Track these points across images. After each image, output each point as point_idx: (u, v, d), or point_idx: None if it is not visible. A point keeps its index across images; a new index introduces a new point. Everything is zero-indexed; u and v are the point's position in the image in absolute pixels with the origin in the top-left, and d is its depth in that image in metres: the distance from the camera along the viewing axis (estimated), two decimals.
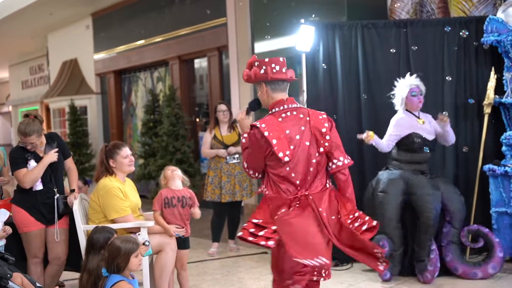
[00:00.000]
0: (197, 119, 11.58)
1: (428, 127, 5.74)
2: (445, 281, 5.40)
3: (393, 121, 5.77)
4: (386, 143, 5.72)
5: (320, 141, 3.72)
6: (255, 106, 4.02)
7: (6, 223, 4.69)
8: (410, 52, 6.35)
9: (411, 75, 5.86)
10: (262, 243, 3.62)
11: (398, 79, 5.98)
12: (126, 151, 5.01)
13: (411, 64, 6.33)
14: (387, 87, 6.31)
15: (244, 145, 3.81)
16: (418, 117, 5.75)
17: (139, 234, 4.65)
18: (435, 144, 5.79)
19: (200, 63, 11.63)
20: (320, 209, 3.62)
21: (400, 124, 5.70)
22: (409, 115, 5.77)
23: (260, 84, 3.89)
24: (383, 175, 5.70)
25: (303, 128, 3.72)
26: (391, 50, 6.30)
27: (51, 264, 4.98)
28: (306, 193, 3.65)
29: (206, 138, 7.22)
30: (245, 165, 3.84)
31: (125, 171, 5.02)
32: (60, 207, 4.92)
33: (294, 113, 3.79)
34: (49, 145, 5.00)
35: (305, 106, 6.39)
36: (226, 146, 7.04)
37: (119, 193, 4.84)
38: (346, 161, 3.82)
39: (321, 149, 3.72)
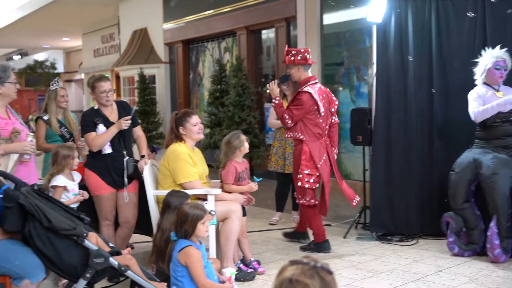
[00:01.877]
0: (263, 90, 11.58)
1: None
2: None
3: (473, 94, 5.51)
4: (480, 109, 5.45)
5: (332, 104, 5.95)
6: (285, 80, 6.33)
7: (79, 186, 4.83)
8: (487, 23, 6.08)
9: (487, 48, 5.64)
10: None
11: (473, 52, 5.79)
12: (195, 118, 5.05)
13: (487, 36, 6.06)
14: (461, 60, 6.13)
15: (294, 106, 5.71)
16: (497, 90, 5.50)
17: (206, 203, 4.70)
18: None
19: (267, 34, 11.57)
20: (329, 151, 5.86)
21: (480, 96, 5.45)
22: (488, 88, 5.52)
23: (297, 66, 5.78)
24: (464, 154, 5.52)
25: (324, 95, 5.84)
26: (467, 14, 6.05)
27: (121, 227, 5.12)
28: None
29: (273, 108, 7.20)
30: (286, 116, 5.69)
31: (194, 138, 5.07)
32: (130, 169, 5.02)
33: (319, 85, 5.87)
34: (124, 113, 5.10)
35: (374, 79, 6.34)
36: None
37: (188, 158, 4.90)
38: (337, 119, 6.07)
39: (333, 110, 5.96)
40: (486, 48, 5.66)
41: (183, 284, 3.90)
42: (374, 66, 6.36)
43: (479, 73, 5.57)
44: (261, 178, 5.31)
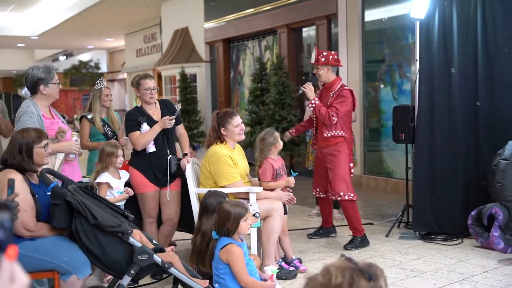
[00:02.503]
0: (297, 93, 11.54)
1: None
2: None
3: None
4: None
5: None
6: (317, 80, 6.39)
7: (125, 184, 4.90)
8: None
9: None
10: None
11: None
12: (237, 120, 5.04)
13: None
14: (507, 58, 6.02)
15: (339, 102, 5.86)
16: None
17: (250, 205, 4.71)
18: None
19: (308, 32, 11.53)
20: None
21: None
22: None
23: (326, 67, 5.93)
24: (510, 143, 5.42)
25: None
26: None
27: (164, 224, 5.16)
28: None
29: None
30: (333, 114, 5.77)
31: (235, 139, 5.08)
32: (173, 167, 5.06)
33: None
34: (167, 112, 5.14)
35: (417, 77, 6.25)
36: None
37: (229, 160, 4.90)
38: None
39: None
40: None
41: (225, 282, 3.92)
42: (417, 63, 6.27)
43: None
44: (296, 173, 5.28)
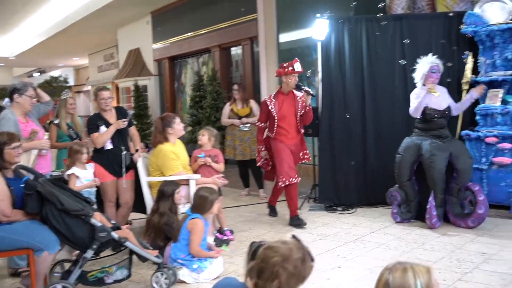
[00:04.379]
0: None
1: (440, 99, 5.37)
2: (443, 227, 5.16)
3: (413, 95, 5.37)
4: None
5: None
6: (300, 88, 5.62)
7: None
8: (403, 38, 6.20)
9: (405, 61, 5.72)
10: None
11: (394, 63, 5.86)
12: (179, 119, 5.05)
13: (405, 51, 6.19)
14: (385, 69, 6.23)
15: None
16: (435, 91, 5.33)
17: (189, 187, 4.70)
18: (447, 112, 5.38)
19: (236, 51, 11.54)
20: None
21: (420, 97, 5.30)
22: (425, 89, 5.33)
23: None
24: (405, 140, 5.45)
25: None
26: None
27: (121, 207, 5.07)
28: None
29: (225, 110, 7.34)
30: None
31: (179, 135, 5.05)
32: (127, 161, 4.98)
33: None
34: (121, 116, 5.05)
35: (320, 84, 6.37)
36: (240, 117, 7.10)
37: (173, 155, 4.86)
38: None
39: None
40: (404, 58, 5.74)
41: (181, 245, 4.04)
42: (320, 74, 6.39)
43: (418, 77, 5.42)
44: (202, 154, 5.25)
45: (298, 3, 9.39)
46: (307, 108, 5.52)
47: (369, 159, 6.26)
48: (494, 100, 5.80)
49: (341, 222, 5.60)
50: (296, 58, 5.64)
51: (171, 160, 4.83)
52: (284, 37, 9.78)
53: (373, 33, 6.26)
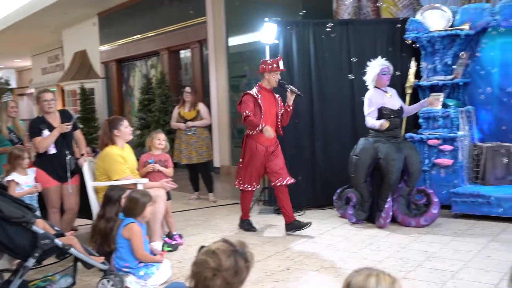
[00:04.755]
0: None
1: (393, 99, 5.48)
2: (390, 227, 5.27)
3: (366, 100, 5.43)
4: (372, 120, 5.35)
5: None
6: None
7: None
8: (350, 45, 6.36)
9: (350, 64, 5.85)
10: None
11: (341, 68, 5.98)
12: (126, 122, 4.94)
13: (350, 55, 6.34)
14: (332, 73, 6.35)
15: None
16: (386, 92, 5.45)
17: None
18: (400, 112, 5.50)
19: (185, 54, 11.47)
20: None
21: (373, 100, 5.38)
22: (378, 91, 5.42)
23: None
24: (360, 142, 5.47)
25: None
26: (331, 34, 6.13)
27: (66, 213, 4.93)
28: None
29: (174, 113, 7.29)
30: None
31: (126, 138, 4.94)
32: (72, 166, 4.85)
33: None
34: (65, 119, 4.91)
35: None
36: (186, 121, 7.08)
37: (120, 158, 4.76)
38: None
39: None
40: (351, 60, 5.88)
41: (121, 254, 3.87)
42: None
43: (369, 79, 5.45)
44: (152, 160, 5.17)
45: (247, 7, 9.45)
46: (290, 108, 5.30)
47: (318, 161, 6.35)
48: (436, 103, 6.02)
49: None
50: (280, 55, 5.51)
51: (118, 163, 4.74)
52: (234, 41, 9.80)
53: (320, 37, 6.36)
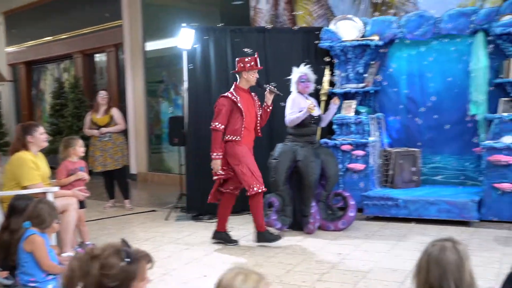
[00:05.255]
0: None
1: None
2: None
3: (289, 101, 5.42)
4: (294, 114, 5.35)
5: None
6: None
7: None
8: (267, 52, 6.48)
9: (267, 70, 5.96)
10: None
11: (259, 73, 6.06)
12: (42, 129, 4.71)
13: (268, 61, 6.45)
14: None
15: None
16: (307, 99, 5.47)
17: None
18: (318, 120, 5.57)
19: (100, 57, 11.14)
20: None
21: (295, 102, 5.41)
22: (300, 96, 5.44)
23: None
24: (278, 146, 5.50)
25: None
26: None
27: None
28: None
29: (86, 119, 7.11)
30: None
31: (41, 145, 4.69)
32: None
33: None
34: None
35: (186, 93, 6.38)
36: (99, 127, 6.91)
37: (32, 164, 4.54)
38: (212, 124, 4.92)
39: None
40: (266, 69, 5.99)
41: (26, 269, 3.65)
42: (185, 83, 6.41)
43: (292, 85, 5.49)
44: (82, 168, 5.02)
45: (164, 12, 9.37)
46: (270, 108, 5.10)
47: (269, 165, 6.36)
48: (348, 110, 6.29)
49: (208, 231, 5.60)
50: (256, 53, 5.30)
51: (30, 169, 4.51)
52: (151, 45, 9.67)
53: (238, 43, 6.44)
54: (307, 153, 5.30)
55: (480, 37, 5.72)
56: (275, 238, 4.94)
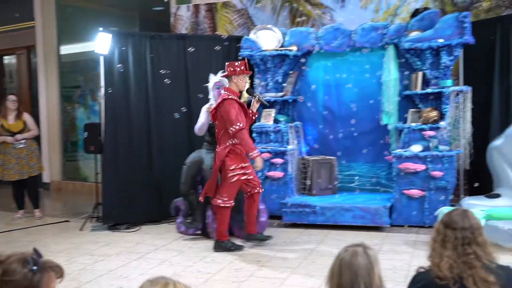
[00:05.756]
0: None
1: None
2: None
3: (203, 109, 5.44)
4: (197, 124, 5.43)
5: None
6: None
7: None
8: (187, 59, 6.45)
9: (187, 77, 5.92)
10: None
11: (178, 80, 6.04)
12: None
13: (188, 68, 6.43)
14: (169, 86, 6.36)
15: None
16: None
17: None
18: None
19: (10, 60, 10.56)
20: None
21: (207, 112, 5.36)
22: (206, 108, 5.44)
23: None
24: (194, 151, 5.55)
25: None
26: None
27: None
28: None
29: None
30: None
31: None
32: None
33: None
34: None
35: (103, 100, 6.18)
36: (13, 133, 6.58)
37: None
38: (233, 128, 4.76)
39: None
40: (187, 75, 5.97)
41: None
42: (102, 89, 6.22)
43: (210, 92, 5.49)
44: None
45: (81, 14, 9.08)
46: (255, 116, 5.15)
47: (155, 175, 6.29)
48: (268, 119, 6.39)
49: (124, 241, 5.50)
50: (246, 58, 5.27)
51: None
52: (67, 49, 9.30)
53: (157, 50, 6.35)
54: (212, 161, 5.24)
55: (390, 51, 6.02)
56: (236, 247, 4.96)
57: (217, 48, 6.53)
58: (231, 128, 4.78)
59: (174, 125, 6.36)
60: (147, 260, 4.75)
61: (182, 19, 7.57)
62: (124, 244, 5.34)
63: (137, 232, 5.87)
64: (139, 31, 6.91)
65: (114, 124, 6.16)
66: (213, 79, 5.52)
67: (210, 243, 5.23)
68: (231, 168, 4.84)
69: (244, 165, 4.87)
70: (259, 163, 4.85)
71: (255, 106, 5.09)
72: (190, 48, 6.38)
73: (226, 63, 5.10)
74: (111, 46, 6.10)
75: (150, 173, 6.28)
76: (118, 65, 6.14)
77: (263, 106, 6.42)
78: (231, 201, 4.91)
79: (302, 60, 6.53)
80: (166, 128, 6.35)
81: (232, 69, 4.98)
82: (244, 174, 4.87)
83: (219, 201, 4.89)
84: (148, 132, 6.29)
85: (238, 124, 4.76)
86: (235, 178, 4.85)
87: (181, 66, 6.44)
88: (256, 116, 5.18)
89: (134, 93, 6.23)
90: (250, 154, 4.84)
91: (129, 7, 8.53)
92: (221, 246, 4.96)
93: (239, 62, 5.02)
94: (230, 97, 4.86)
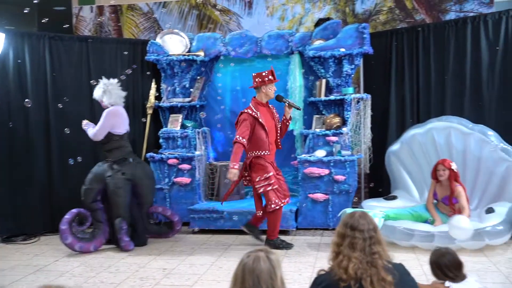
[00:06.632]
0: None
1: None
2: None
3: (104, 114, 5.29)
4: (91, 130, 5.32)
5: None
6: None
7: None
8: (90, 63, 6.22)
9: (90, 81, 5.72)
10: None
11: (81, 83, 5.81)
12: None
13: (91, 73, 6.19)
14: (71, 89, 6.10)
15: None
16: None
17: None
18: (128, 135, 5.48)
19: None
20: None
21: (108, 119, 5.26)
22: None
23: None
24: (98, 164, 5.41)
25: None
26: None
27: None
28: None
29: None
30: None
31: None
32: None
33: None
34: None
35: None
36: None
37: None
38: (235, 138, 4.90)
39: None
40: (90, 79, 5.76)
41: None
42: None
43: (108, 98, 5.32)
44: None
45: None
46: (288, 122, 5.16)
47: (55, 184, 5.99)
48: (175, 124, 6.32)
49: (20, 253, 5.18)
50: (271, 66, 5.22)
51: None
52: None
53: (58, 52, 6.07)
54: (116, 179, 5.16)
55: (296, 58, 6.20)
56: (286, 245, 5.08)
57: (125, 52, 6.36)
58: (235, 136, 4.93)
59: (77, 132, 6.08)
60: (46, 273, 4.50)
61: (85, 21, 7.31)
62: (20, 257, 5.05)
63: (35, 243, 5.57)
64: (38, 31, 6.54)
65: (7, 131, 5.81)
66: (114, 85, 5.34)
67: (114, 253, 5.08)
68: (256, 180, 4.96)
69: (267, 175, 4.94)
70: (230, 174, 4.90)
71: (288, 112, 5.13)
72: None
73: (253, 74, 5.12)
74: (4, 47, 5.73)
75: (50, 182, 5.97)
76: (12, 68, 5.78)
77: (170, 111, 6.36)
78: (279, 203, 4.96)
79: (210, 65, 6.53)
80: (68, 135, 6.04)
81: (260, 79, 5.02)
82: (269, 185, 4.93)
83: (272, 206, 4.93)
84: (47, 139, 5.96)
85: (240, 137, 4.87)
86: (262, 190, 4.95)
87: (84, 70, 6.19)
88: (290, 121, 5.22)
89: (31, 96, 5.88)
90: (229, 164, 4.93)
91: (27, 5, 8.07)
92: (270, 244, 5.04)
93: (266, 72, 5.03)
94: (245, 111, 4.97)
